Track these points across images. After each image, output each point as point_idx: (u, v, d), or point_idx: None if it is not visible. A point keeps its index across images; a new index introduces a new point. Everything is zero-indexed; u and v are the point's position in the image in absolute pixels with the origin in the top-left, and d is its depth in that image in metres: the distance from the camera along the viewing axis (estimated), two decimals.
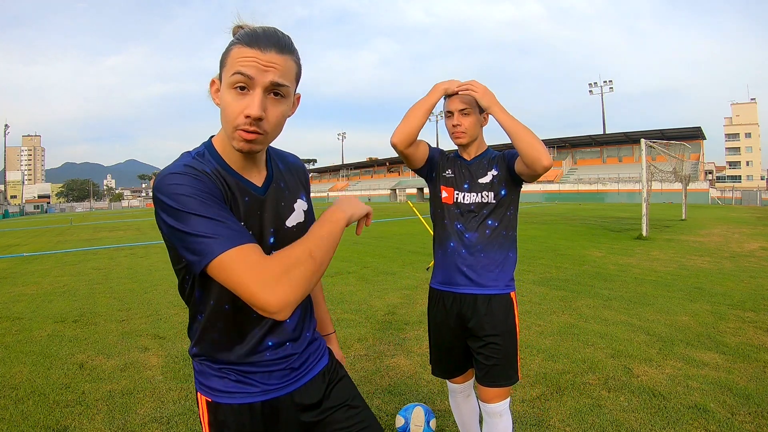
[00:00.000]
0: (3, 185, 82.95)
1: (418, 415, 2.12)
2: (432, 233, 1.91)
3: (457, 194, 1.76)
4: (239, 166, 0.95)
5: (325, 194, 65.00)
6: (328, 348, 1.17)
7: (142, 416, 2.57)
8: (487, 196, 1.73)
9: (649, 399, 2.63)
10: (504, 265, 1.75)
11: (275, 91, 0.87)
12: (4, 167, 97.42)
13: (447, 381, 1.96)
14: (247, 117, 0.85)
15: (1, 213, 48.24)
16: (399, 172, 68.24)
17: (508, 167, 1.72)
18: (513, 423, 1.91)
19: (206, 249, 0.78)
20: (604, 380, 2.90)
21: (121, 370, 3.27)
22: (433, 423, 2.13)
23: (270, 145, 1.01)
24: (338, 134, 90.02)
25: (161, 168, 0.92)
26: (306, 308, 1.08)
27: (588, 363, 3.18)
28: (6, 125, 69.08)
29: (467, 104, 1.68)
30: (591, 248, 9.00)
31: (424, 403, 2.46)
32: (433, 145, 1.90)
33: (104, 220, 28.92)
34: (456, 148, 1.83)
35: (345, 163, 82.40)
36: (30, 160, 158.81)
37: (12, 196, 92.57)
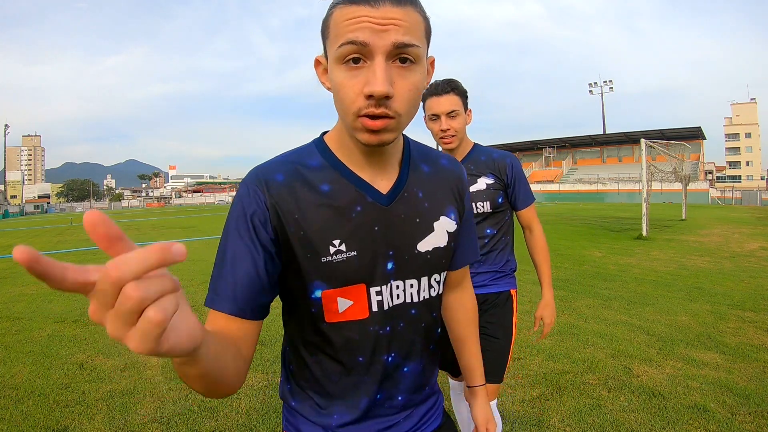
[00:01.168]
0: (3, 185, 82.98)
1: None
2: None
3: None
4: (359, 166, 0.73)
5: None
6: (445, 410, 0.94)
7: (142, 416, 2.57)
8: (483, 206, 1.66)
9: (649, 399, 2.63)
10: (504, 268, 1.74)
11: (402, 55, 0.63)
12: (4, 167, 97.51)
13: (448, 379, 1.96)
14: (370, 97, 0.62)
15: (1, 213, 48.25)
16: None
17: (508, 198, 1.71)
18: (512, 423, 1.91)
19: (209, 293, 0.70)
20: (604, 380, 2.90)
21: (121, 370, 3.27)
22: None
23: (413, 140, 0.82)
24: None
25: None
26: (429, 357, 0.85)
27: (588, 363, 3.18)
28: (6, 125, 69.08)
29: (455, 105, 1.57)
30: (591, 248, 9.00)
31: None
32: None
33: None
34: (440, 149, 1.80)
35: None
36: (30, 160, 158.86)
37: (12, 196, 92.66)
